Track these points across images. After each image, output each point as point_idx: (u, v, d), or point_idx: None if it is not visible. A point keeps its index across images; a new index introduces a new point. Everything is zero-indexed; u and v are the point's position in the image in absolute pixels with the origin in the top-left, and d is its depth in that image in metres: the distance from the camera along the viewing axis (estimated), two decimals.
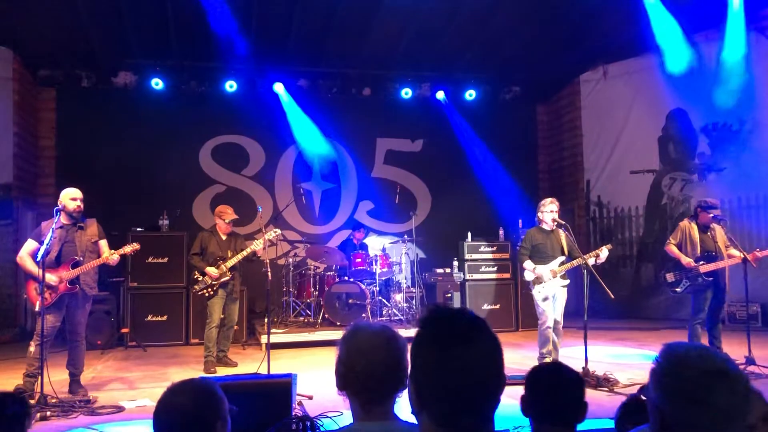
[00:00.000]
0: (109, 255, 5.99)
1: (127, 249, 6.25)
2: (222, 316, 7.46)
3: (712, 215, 7.04)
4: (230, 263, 7.33)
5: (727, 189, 10.52)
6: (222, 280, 7.33)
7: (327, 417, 4.64)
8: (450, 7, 9.72)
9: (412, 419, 1.58)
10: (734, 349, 6.68)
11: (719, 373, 1.50)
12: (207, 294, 7.36)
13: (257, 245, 7.23)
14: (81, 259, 5.90)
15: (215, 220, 7.65)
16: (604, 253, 6.62)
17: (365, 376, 1.82)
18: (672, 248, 7.13)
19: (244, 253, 7.34)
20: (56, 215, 5.78)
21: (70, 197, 5.94)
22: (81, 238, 5.99)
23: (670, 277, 7.14)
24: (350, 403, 1.89)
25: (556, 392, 2.28)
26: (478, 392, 1.42)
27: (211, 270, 7.28)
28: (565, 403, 2.27)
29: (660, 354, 1.60)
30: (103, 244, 6.15)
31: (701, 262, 6.89)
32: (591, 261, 6.50)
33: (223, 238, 7.55)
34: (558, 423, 2.24)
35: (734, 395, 1.48)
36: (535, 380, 2.35)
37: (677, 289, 7.07)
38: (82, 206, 5.96)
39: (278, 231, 7.63)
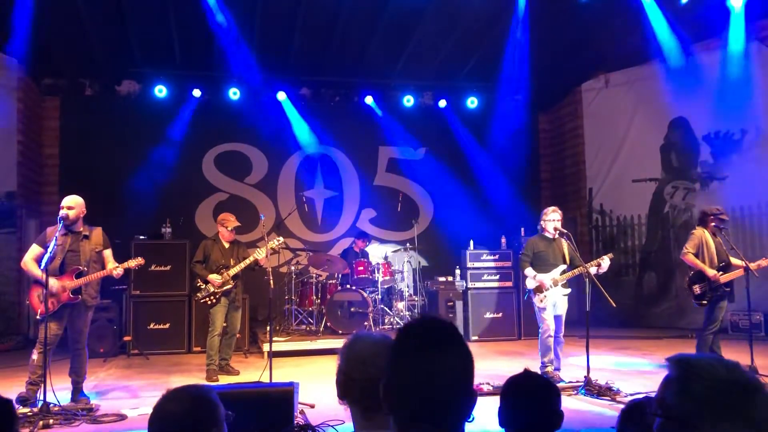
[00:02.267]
0: (114, 268, 5.99)
1: (132, 263, 6.21)
2: (224, 324, 7.46)
3: (722, 226, 7.04)
4: (233, 271, 7.34)
5: (729, 197, 10.50)
6: (224, 288, 7.34)
7: (329, 426, 4.64)
8: (452, 16, 9.77)
9: None
10: (737, 358, 6.66)
11: (752, 384, 1.48)
12: (209, 302, 7.37)
13: (260, 254, 7.24)
14: (85, 269, 5.90)
15: (218, 228, 7.66)
16: (605, 262, 6.62)
17: (364, 384, 1.83)
18: (692, 258, 6.90)
19: (247, 261, 7.35)
20: (60, 223, 5.81)
21: (60, 205, 5.97)
22: (85, 246, 5.98)
23: (696, 289, 6.91)
24: (350, 412, 1.91)
25: (529, 402, 2.28)
26: (441, 402, 1.43)
27: (214, 277, 7.30)
28: (539, 412, 2.27)
29: (683, 368, 1.51)
30: (108, 253, 6.13)
31: (720, 273, 6.82)
32: (593, 270, 6.50)
33: (226, 246, 7.56)
34: None
35: (765, 404, 1.46)
36: (508, 391, 2.35)
37: (704, 302, 6.87)
38: (68, 213, 5.82)
39: (281, 239, 7.65)
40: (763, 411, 1.42)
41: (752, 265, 6.76)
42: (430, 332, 1.50)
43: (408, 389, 1.44)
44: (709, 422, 1.43)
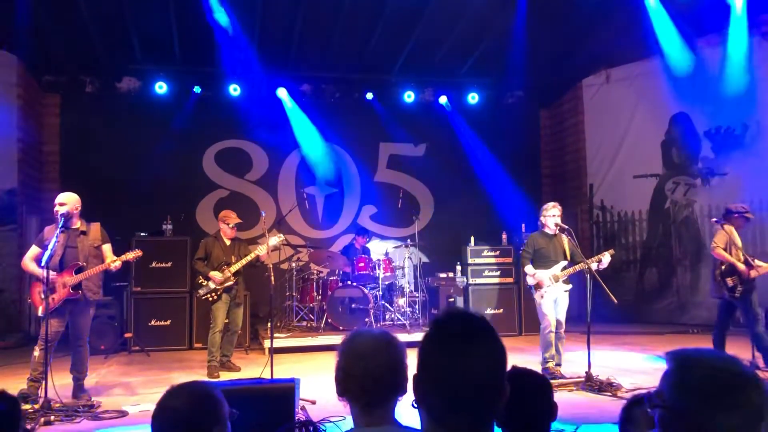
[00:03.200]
0: (111, 262, 5.99)
1: (130, 255, 6.21)
2: (226, 321, 7.47)
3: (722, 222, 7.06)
4: (234, 268, 7.35)
5: (730, 193, 10.47)
6: (226, 284, 7.35)
7: (330, 422, 4.65)
8: (452, 12, 9.75)
9: (412, 424, 1.59)
10: (738, 353, 6.65)
11: (746, 375, 1.49)
12: (211, 299, 7.38)
13: (261, 250, 7.25)
14: (84, 264, 5.91)
15: (219, 225, 7.66)
16: (606, 258, 6.62)
17: (364, 380, 1.82)
18: (722, 252, 6.92)
19: (249, 257, 7.36)
20: (61, 220, 5.80)
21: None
22: (83, 242, 5.99)
23: (729, 281, 6.90)
24: (350, 409, 1.90)
25: (519, 398, 2.25)
26: (473, 394, 1.43)
27: (215, 275, 7.30)
28: (531, 407, 2.26)
29: (682, 362, 1.56)
30: (107, 248, 6.14)
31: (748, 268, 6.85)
32: (593, 266, 6.50)
33: (227, 243, 7.56)
34: (530, 428, 2.23)
35: (761, 396, 1.48)
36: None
37: (736, 294, 6.85)
38: (60, 210, 5.83)
39: (282, 236, 7.65)
40: (755, 399, 1.45)
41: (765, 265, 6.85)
42: (463, 325, 1.50)
43: (440, 382, 1.45)
44: (705, 411, 1.46)
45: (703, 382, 1.48)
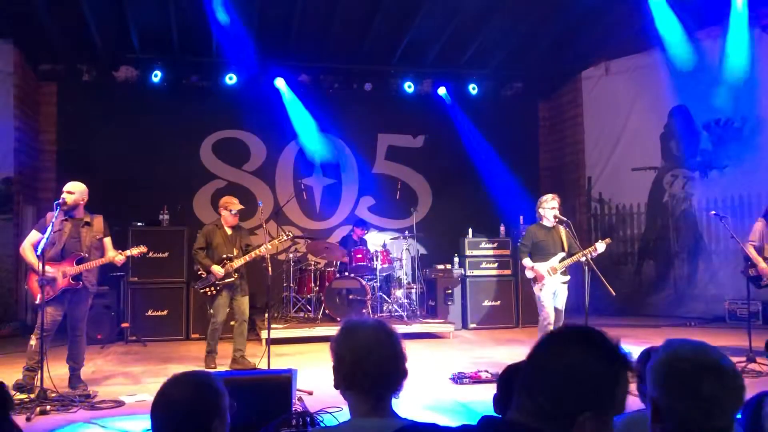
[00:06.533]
0: (116, 255, 5.96)
1: (135, 251, 6.20)
2: (228, 310, 7.30)
3: None
4: (237, 263, 7.10)
5: (729, 186, 10.49)
6: (227, 281, 7.12)
7: (327, 413, 4.64)
8: (452, 2, 9.70)
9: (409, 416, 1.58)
10: (736, 346, 6.67)
11: (710, 366, 1.50)
12: (209, 293, 7.15)
13: (266, 248, 6.93)
14: (86, 255, 5.88)
15: (220, 212, 7.35)
16: (600, 246, 6.63)
17: (375, 372, 1.80)
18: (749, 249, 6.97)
19: (252, 255, 7.10)
20: (56, 209, 5.75)
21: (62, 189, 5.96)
22: (87, 233, 5.96)
23: (753, 271, 6.98)
24: (353, 402, 1.87)
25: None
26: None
27: (217, 269, 7.03)
28: None
29: (659, 348, 1.64)
30: (107, 241, 6.10)
31: None
32: (590, 255, 6.51)
33: (229, 232, 7.29)
34: None
35: (723, 389, 1.49)
36: (511, 379, 2.28)
37: (762, 282, 6.92)
38: (68, 198, 5.79)
39: (291, 234, 7.55)
40: (713, 391, 1.49)
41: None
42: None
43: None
44: (667, 400, 1.54)
45: (658, 369, 1.55)
